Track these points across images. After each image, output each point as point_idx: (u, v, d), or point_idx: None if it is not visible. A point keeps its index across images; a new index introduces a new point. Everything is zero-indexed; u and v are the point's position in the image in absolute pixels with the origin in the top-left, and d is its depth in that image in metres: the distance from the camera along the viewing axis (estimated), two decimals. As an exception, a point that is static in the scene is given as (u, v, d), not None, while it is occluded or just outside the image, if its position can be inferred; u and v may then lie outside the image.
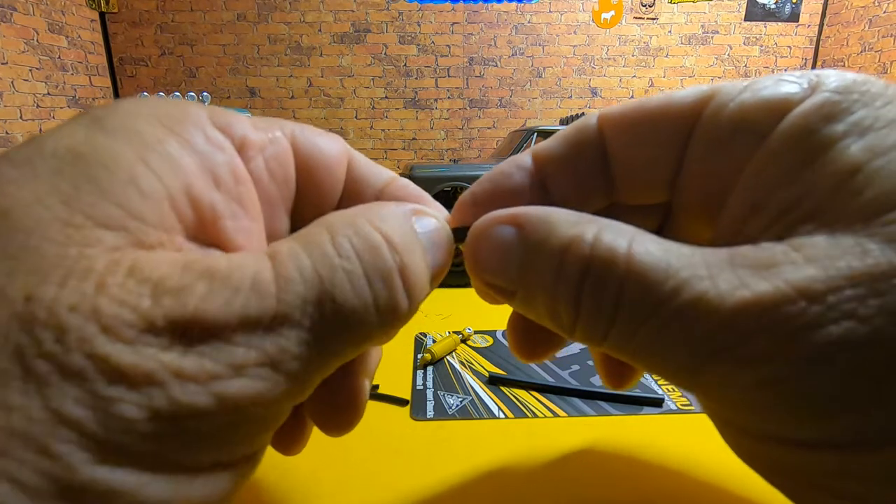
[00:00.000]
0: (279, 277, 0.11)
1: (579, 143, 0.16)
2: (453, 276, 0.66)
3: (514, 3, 3.12)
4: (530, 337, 0.18)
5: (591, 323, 0.12)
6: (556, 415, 0.31)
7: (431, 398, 0.33)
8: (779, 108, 0.12)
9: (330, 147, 0.16)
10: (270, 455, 0.26)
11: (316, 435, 0.26)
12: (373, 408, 0.32)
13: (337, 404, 0.17)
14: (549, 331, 0.15)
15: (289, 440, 0.18)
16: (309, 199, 0.16)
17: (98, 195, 0.10)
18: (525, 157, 0.16)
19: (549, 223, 0.13)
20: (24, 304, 0.09)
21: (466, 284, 0.64)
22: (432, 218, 0.14)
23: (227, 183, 0.13)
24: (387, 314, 0.12)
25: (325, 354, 0.11)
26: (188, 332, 0.10)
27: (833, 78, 0.12)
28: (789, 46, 3.31)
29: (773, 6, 3.24)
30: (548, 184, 0.16)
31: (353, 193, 0.17)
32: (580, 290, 0.12)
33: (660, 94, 0.15)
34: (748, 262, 0.11)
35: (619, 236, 0.12)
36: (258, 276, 0.11)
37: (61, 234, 0.10)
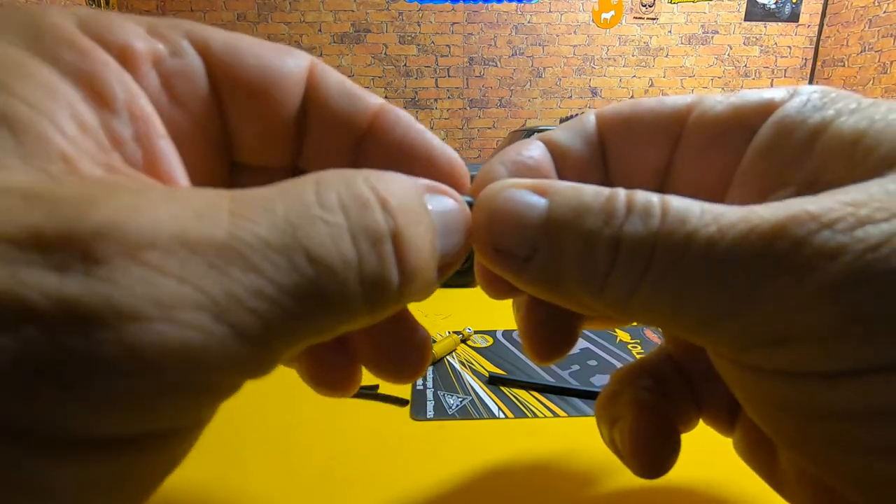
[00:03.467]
0: (235, 213, 0.08)
1: (583, 138, 0.16)
2: (454, 275, 0.65)
3: (514, 3, 3.12)
4: (546, 334, 0.16)
5: (628, 268, 0.11)
6: (556, 415, 0.31)
7: (431, 398, 0.33)
8: (765, 106, 0.13)
9: (268, 63, 0.13)
10: (271, 454, 0.26)
11: (316, 435, 0.26)
12: (373, 408, 0.32)
13: (394, 352, 0.14)
14: (564, 325, 0.15)
15: (337, 381, 0.15)
16: (248, 133, 0.13)
17: None
18: (538, 143, 0.16)
19: (577, 187, 0.12)
20: None
21: (466, 284, 0.64)
22: (450, 198, 0.12)
23: (119, 110, 0.10)
24: (372, 286, 0.10)
25: (291, 318, 0.09)
26: (92, 250, 0.07)
27: (809, 88, 0.13)
28: (789, 46, 3.31)
29: (773, 6, 3.24)
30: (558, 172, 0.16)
31: (326, 127, 0.14)
32: (619, 238, 0.11)
33: (653, 98, 0.15)
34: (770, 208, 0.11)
35: (649, 194, 0.12)
36: (207, 206, 0.08)
37: None
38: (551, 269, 0.12)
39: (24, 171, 0.08)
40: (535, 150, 0.15)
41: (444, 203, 0.12)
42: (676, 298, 0.11)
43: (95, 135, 0.10)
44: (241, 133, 0.13)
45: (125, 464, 0.08)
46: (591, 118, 0.16)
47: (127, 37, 0.11)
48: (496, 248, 0.13)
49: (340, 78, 0.14)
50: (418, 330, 0.15)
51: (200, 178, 0.12)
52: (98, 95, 0.10)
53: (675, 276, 0.11)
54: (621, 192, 0.12)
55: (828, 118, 0.12)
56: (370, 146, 0.14)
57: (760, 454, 0.16)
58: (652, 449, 0.16)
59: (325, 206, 0.09)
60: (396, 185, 0.11)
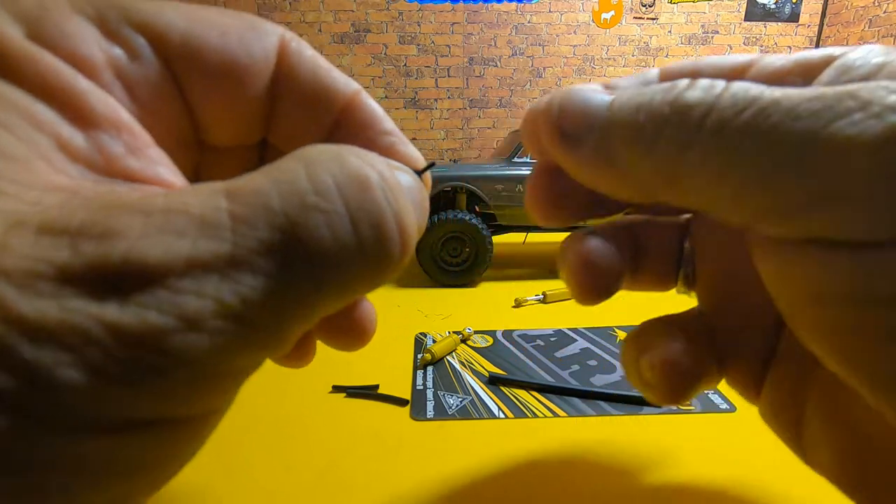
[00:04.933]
0: (235, 217, 0.09)
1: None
2: (453, 275, 0.66)
3: (514, 3, 3.12)
4: (557, 191, 0.16)
5: (680, 126, 0.12)
6: (556, 415, 0.31)
7: (431, 398, 0.33)
8: (827, 58, 0.13)
9: (232, 51, 0.12)
10: (271, 454, 0.26)
11: (316, 435, 0.26)
12: (373, 408, 0.32)
13: (341, 327, 0.15)
14: (577, 190, 0.15)
15: (294, 356, 0.16)
16: (215, 119, 0.13)
17: None
18: (598, 85, 0.16)
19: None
20: None
21: (466, 285, 0.64)
22: (407, 174, 0.12)
23: (105, 127, 0.10)
24: (374, 264, 0.10)
25: (298, 306, 0.09)
26: (122, 282, 0.08)
27: (870, 45, 0.13)
28: (789, 46, 3.31)
29: (773, 6, 3.23)
30: None
31: (296, 108, 0.14)
32: (675, 100, 0.12)
33: (716, 55, 0.15)
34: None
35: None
36: (209, 214, 0.09)
37: None
38: (607, 139, 0.13)
39: (21, 199, 0.09)
40: (595, 90, 0.15)
41: (407, 179, 0.12)
42: (728, 157, 0.11)
43: (86, 154, 0.10)
44: (209, 120, 0.13)
45: (175, 436, 0.09)
46: (654, 71, 0.16)
47: (84, 45, 0.11)
48: (562, 133, 0.14)
49: (314, 60, 0.14)
50: (362, 303, 0.15)
51: (175, 164, 0.12)
52: (80, 115, 0.10)
53: (730, 132, 0.11)
54: (684, 80, 0.12)
55: (892, 58, 0.12)
56: (340, 129, 0.15)
57: (787, 418, 0.16)
58: (682, 371, 0.16)
59: (320, 191, 0.09)
60: (380, 161, 0.11)
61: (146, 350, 0.08)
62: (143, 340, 0.08)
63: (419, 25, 3.15)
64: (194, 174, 0.15)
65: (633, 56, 3.24)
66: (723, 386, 0.34)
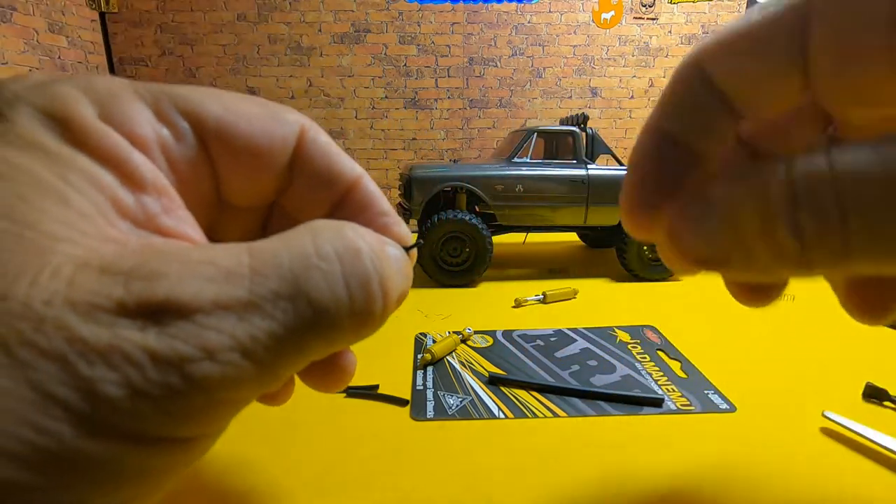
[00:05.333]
0: (254, 271, 0.11)
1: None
2: (454, 275, 0.66)
3: (514, 3, 3.12)
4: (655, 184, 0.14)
5: (817, 216, 0.10)
6: (556, 415, 0.31)
7: (431, 398, 0.33)
8: None
9: (259, 134, 0.15)
10: (271, 454, 0.26)
11: (316, 435, 0.26)
12: (373, 408, 0.32)
13: (324, 372, 0.17)
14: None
15: (275, 396, 0.19)
16: (238, 188, 0.16)
17: (38, 213, 0.11)
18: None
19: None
20: (0, 303, 0.09)
21: (466, 285, 0.65)
22: (396, 250, 0.15)
23: (149, 190, 0.13)
24: (361, 319, 0.12)
25: (295, 349, 0.12)
26: (161, 315, 0.10)
27: None
28: (789, 46, 3.30)
29: (773, 6, 3.23)
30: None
31: (308, 185, 0.17)
32: (791, 186, 0.10)
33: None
34: None
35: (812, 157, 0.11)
36: (233, 267, 0.11)
37: (17, 244, 0.10)
38: (749, 259, 0.11)
39: (86, 248, 0.11)
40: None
41: (395, 252, 0.14)
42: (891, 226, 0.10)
43: (133, 212, 0.12)
44: (232, 189, 0.16)
45: (185, 453, 0.11)
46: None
47: (140, 126, 0.13)
48: (697, 260, 0.12)
49: (327, 147, 0.16)
50: (346, 355, 0.18)
51: (199, 220, 0.15)
52: (131, 180, 0.13)
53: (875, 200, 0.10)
54: (780, 168, 0.11)
55: None
56: (344, 206, 0.17)
57: None
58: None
59: (321, 255, 0.12)
60: (372, 237, 0.13)
61: (172, 373, 0.10)
62: (171, 364, 0.10)
63: (419, 25, 3.15)
64: (210, 227, 0.17)
65: (633, 56, 3.24)
66: (723, 386, 0.34)
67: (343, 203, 0.17)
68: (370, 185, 0.17)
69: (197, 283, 0.11)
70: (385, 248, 0.14)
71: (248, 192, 0.16)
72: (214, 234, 0.17)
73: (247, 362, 0.11)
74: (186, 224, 0.14)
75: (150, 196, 0.13)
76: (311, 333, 0.12)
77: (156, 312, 0.10)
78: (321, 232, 0.12)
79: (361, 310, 0.12)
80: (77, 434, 0.09)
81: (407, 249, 0.16)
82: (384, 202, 0.17)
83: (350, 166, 0.17)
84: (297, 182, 0.17)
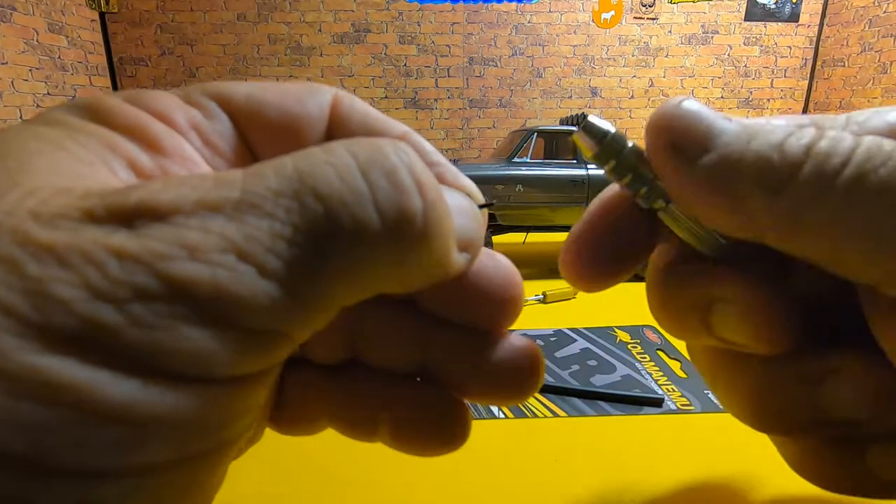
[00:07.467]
0: (248, 174, 0.09)
1: None
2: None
3: (514, 3, 3.12)
4: (603, 251, 0.15)
5: (819, 171, 0.11)
6: (556, 415, 0.31)
7: (431, 398, 0.33)
8: None
9: (289, 108, 0.14)
10: (270, 454, 0.26)
11: (316, 435, 0.26)
12: (373, 408, 0.32)
13: (499, 371, 0.14)
14: (626, 246, 0.15)
15: (438, 429, 0.15)
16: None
17: (31, 154, 0.10)
18: None
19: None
20: None
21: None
22: (458, 194, 0.13)
23: (171, 154, 0.12)
24: (394, 220, 0.10)
25: (313, 259, 0.09)
26: (134, 218, 0.09)
27: None
28: (789, 46, 3.31)
29: (773, 6, 3.24)
30: None
31: None
32: (812, 145, 0.12)
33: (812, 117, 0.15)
34: None
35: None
36: (224, 175, 0.10)
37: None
38: (726, 168, 0.12)
39: (73, 181, 0.10)
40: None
41: (456, 195, 0.12)
42: (865, 213, 0.11)
43: (150, 171, 0.12)
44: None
45: (209, 401, 0.09)
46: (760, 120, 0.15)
47: (168, 108, 0.13)
48: (673, 144, 0.13)
49: (365, 110, 0.15)
50: (508, 339, 0.14)
51: None
52: (151, 145, 0.12)
53: (869, 187, 0.11)
54: (808, 128, 0.12)
55: None
56: None
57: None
58: (782, 323, 0.14)
59: (332, 153, 0.10)
60: (410, 151, 0.11)
61: (141, 272, 0.08)
62: (140, 262, 0.08)
63: (419, 25, 3.15)
64: None
65: (633, 56, 3.24)
66: (723, 386, 0.34)
67: None
68: (418, 139, 0.15)
69: (178, 189, 0.09)
70: (426, 168, 0.11)
71: None
72: None
73: (247, 267, 0.09)
74: None
75: (173, 161, 0.12)
76: (328, 237, 0.09)
77: (127, 216, 0.09)
78: (335, 142, 0.11)
79: (391, 205, 0.10)
80: (26, 347, 0.08)
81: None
82: (437, 154, 0.15)
83: (393, 125, 0.15)
84: None
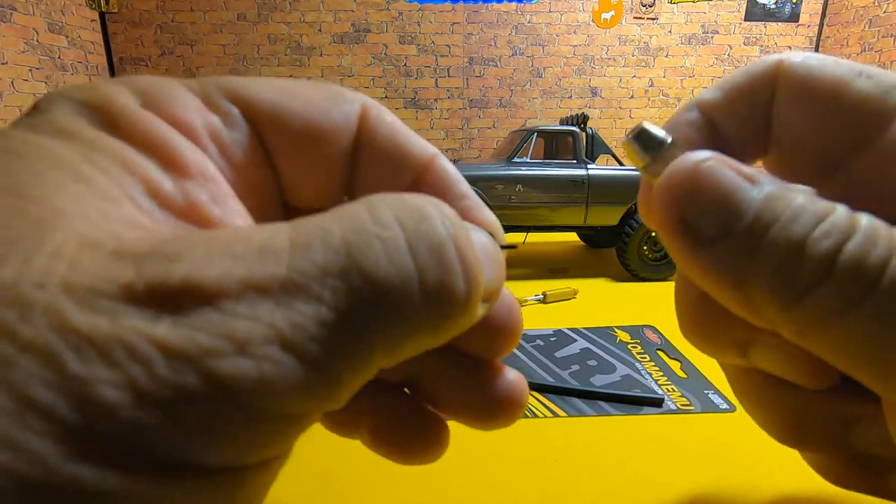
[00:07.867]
0: (294, 244, 0.09)
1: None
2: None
3: (514, 3, 3.12)
4: (711, 312, 0.14)
5: (840, 290, 0.10)
6: (556, 415, 0.31)
7: (431, 398, 0.33)
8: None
9: (314, 118, 0.13)
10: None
11: (316, 435, 0.26)
12: (373, 408, 0.32)
13: (478, 399, 0.14)
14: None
15: (412, 441, 0.14)
16: (299, 182, 0.14)
17: (50, 189, 0.09)
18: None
19: (788, 186, 0.12)
20: None
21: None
22: (482, 233, 0.12)
23: (194, 176, 0.11)
24: (437, 297, 0.10)
25: (354, 342, 0.09)
26: (178, 301, 0.08)
27: None
28: (789, 46, 3.31)
29: (773, 6, 3.23)
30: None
31: (376, 172, 0.14)
32: (836, 254, 0.10)
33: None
34: None
35: (872, 217, 0.11)
36: (269, 241, 0.09)
37: (16, 219, 0.08)
38: (739, 259, 0.11)
39: (102, 229, 0.09)
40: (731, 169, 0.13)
41: (481, 235, 0.12)
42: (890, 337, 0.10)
43: (172, 198, 0.11)
44: (293, 180, 0.14)
45: (222, 491, 0.09)
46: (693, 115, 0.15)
47: (186, 112, 0.12)
48: (682, 219, 0.12)
49: (392, 123, 0.14)
50: (502, 373, 0.14)
51: (258, 222, 0.13)
52: (170, 163, 0.11)
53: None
54: (840, 208, 0.11)
55: None
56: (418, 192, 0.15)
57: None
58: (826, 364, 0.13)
59: (378, 222, 0.09)
60: (448, 208, 0.11)
61: (188, 371, 0.08)
62: (188, 359, 0.08)
63: (419, 25, 3.15)
64: None
65: (633, 56, 3.24)
66: (723, 386, 0.34)
67: (415, 189, 0.14)
68: (446, 165, 0.15)
69: (223, 262, 0.08)
70: (463, 222, 0.11)
71: (312, 186, 0.14)
72: None
73: (290, 358, 0.08)
74: (237, 215, 0.12)
75: (195, 182, 0.11)
76: (372, 319, 0.09)
77: (171, 299, 0.08)
78: (378, 200, 0.10)
79: (436, 285, 0.09)
80: (64, 455, 0.07)
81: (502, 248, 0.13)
82: (464, 184, 0.15)
83: (421, 145, 0.14)
84: (363, 171, 0.14)
